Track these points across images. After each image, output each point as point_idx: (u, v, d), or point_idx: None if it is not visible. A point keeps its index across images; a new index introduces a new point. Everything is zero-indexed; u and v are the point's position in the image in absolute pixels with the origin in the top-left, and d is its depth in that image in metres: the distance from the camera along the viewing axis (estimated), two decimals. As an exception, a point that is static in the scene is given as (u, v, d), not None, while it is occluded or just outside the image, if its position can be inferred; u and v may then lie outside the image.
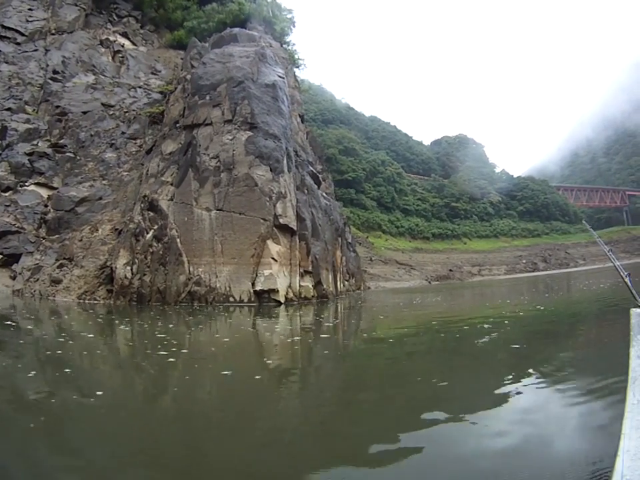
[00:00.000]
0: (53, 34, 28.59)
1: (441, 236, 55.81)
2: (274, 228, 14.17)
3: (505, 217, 62.00)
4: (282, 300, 13.74)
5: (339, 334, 7.98)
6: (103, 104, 23.58)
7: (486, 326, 7.39)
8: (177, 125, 17.88)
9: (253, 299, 13.72)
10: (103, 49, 28.76)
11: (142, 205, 15.66)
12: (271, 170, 14.65)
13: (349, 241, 32.81)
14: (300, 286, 14.86)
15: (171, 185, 15.72)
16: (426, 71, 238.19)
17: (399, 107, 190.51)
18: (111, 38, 29.50)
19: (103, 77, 26.18)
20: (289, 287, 14.30)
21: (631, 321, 2.17)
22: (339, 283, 18.92)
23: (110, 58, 28.42)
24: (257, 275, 13.84)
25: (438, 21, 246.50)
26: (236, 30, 21.67)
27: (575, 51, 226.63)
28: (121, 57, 28.12)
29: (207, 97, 17.00)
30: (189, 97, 18.01)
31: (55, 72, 25.21)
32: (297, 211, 15.59)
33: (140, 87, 25.22)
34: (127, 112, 22.86)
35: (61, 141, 21.75)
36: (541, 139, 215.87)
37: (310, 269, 15.20)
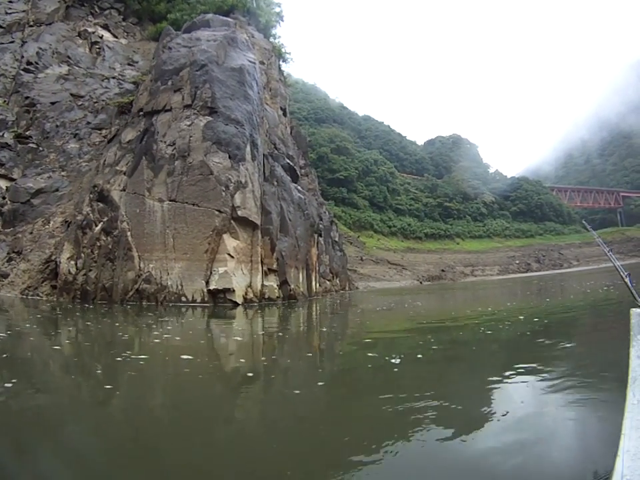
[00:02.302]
0: (31, 26, 27.13)
1: (433, 236, 54.05)
2: (232, 221, 12.48)
3: (499, 217, 60.21)
4: (239, 301, 12.05)
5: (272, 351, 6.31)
6: (72, 94, 22.03)
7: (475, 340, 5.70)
8: (140, 112, 16.25)
9: (206, 299, 12.04)
10: (81, 41, 27.19)
11: (91, 196, 14.01)
12: (230, 157, 12.96)
13: (336, 239, 31.18)
14: (263, 285, 13.16)
15: (124, 174, 14.07)
16: (420, 71, 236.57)
17: (392, 107, 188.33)
18: (90, 29, 27.92)
19: (77, 68, 24.60)
20: (249, 286, 12.60)
21: (631, 320, 2.04)
22: (314, 283, 17.20)
23: (87, 49, 26.85)
24: (211, 273, 12.16)
25: (433, 21, 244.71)
26: (209, 15, 20.01)
27: (571, 52, 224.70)
28: (98, 48, 26.55)
29: (169, 82, 15.36)
30: (152, 82, 16.38)
31: (28, 63, 23.73)
32: (261, 203, 13.91)
33: (114, 78, 23.63)
34: (96, 102, 21.26)
35: (27, 132, 20.22)
36: (536, 139, 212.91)
37: (275, 267, 13.51)
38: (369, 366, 4.57)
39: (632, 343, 1.94)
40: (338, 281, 27.04)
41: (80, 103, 21.46)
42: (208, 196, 12.39)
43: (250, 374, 4.09)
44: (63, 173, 17.51)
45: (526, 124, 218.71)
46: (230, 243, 12.25)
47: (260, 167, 14.33)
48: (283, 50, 32.07)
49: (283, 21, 34.59)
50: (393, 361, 4.20)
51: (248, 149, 13.60)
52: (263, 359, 4.82)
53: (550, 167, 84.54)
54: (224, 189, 12.37)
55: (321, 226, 26.07)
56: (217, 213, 12.25)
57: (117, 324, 8.26)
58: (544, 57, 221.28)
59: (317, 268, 18.64)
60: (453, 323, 7.92)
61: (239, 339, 6.48)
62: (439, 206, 56.56)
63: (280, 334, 6.73)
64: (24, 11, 27.06)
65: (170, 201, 12.82)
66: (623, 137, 79.94)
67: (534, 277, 42.58)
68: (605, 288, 12.82)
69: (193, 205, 12.49)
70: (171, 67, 15.81)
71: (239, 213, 12.47)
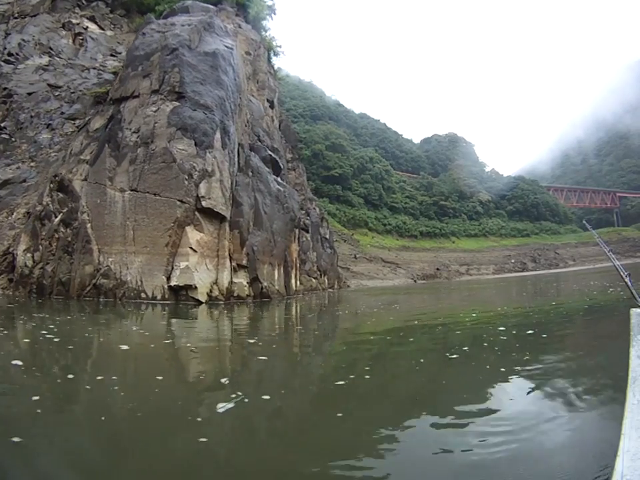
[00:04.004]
0: (15, 17, 26.22)
1: (428, 234, 52.89)
2: (196, 212, 11.35)
3: (495, 216, 58.98)
4: (202, 299, 10.92)
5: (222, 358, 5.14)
6: (50, 85, 21.01)
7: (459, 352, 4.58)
8: (110, 100, 15.16)
9: (167, 296, 10.92)
10: (64, 32, 26.18)
11: (51, 186, 12.92)
12: (196, 144, 11.82)
13: (326, 236, 30.09)
14: (232, 283, 12.04)
15: (87, 163, 12.98)
16: (417, 69, 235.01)
17: (389, 105, 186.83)
18: (75, 21, 26.90)
19: (57, 59, 23.59)
20: (215, 283, 11.47)
21: (631, 320, 1.97)
22: (293, 281, 16.06)
23: (70, 41, 25.83)
24: (172, 268, 11.04)
25: (430, 19, 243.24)
26: (189, 2, 18.90)
27: (568, 52, 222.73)
28: (81, 40, 25.53)
29: (140, 68, 14.23)
30: (123, 69, 15.30)
31: (9, 54, 22.77)
32: (232, 195, 12.79)
33: (94, 68, 22.57)
34: (73, 93, 20.19)
35: (3, 123, 19.19)
36: (532, 139, 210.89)
37: (245, 262, 12.38)
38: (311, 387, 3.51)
39: (632, 343, 1.87)
40: (326, 279, 25.92)
41: (57, 94, 20.42)
42: (170, 185, 11.26)
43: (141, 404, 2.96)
44: (32, 164, 16.44)
45: (523, 123, 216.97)
46: (193, 235, 11.12)
47: (232, 156, 13.19)
48: (274, 43, 31.10)
49: (275, 14, 33.58)
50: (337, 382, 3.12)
51: (217, 135, 12.46)
52: (158, 379, 3.68)
53: (546, 166, 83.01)
54: (187, 178, 11.23)
55: (307, 221, 24.95)
56: (178, 203, 11.12)
57: (52, 326, 7.15)
58: (541, 56, 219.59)
59: (298, 265, 17.50)
60: (426, 333, 6.81)
61: (155, 347, 5.37)
62: (434, 204, 55.37)
63: (213, 344, 5.59)
64: (9, 3, 26.16)
65: (131, 190, 11.70)
66: (620, 137, 78.55)
67: (529, 276, 41.46)
68: (612, 290, 11.61)
69: (155, 194, 11.37)
70: (142, 53, 14.68)
71: (204, 203, 11.33)
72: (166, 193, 11.24)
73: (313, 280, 22.87)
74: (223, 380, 3.47)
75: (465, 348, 4.74)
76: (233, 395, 2.88)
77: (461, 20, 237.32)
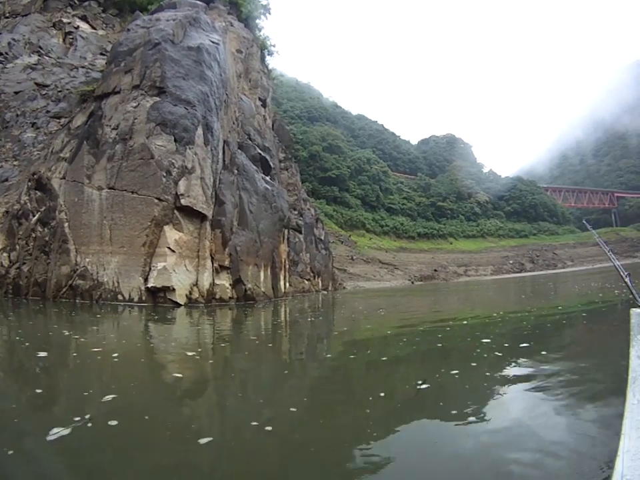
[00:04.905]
0: (7, 17, 25.92)
1: (426, 235, 52.29)
2: (175, 211, 10.79)
3: (492, 217, 58.37)
4: (181, 301, 10.36)
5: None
6: (37, 84, 20.55)
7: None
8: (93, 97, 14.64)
9: (145, 298, 10.36)
10: (55, 31, 25.79)
11: (29, 184, 12.39)
12: (175, 140, 11.27)
13: (321, 237, 29.52)
14: (214, 284, 11.46)
15: (66, 161, 12.45)
16: (415, 70, 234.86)
17: (386, 106, 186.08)
18: (65, 20, 26.49)
19: (47, 58, 23.18)
20: (195, 284, 10.91)
21: (631, 320, 1.97)
22: (282, 283, 15.46)
23: (60, 40, 25.44)
24: (150, 269, 10.48)
25: (428, 21, 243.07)
26: (177, -2, 18.37)
27: (566, 52, 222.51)
28: (71, 39, 25.10)
29: (122, 64, 13.72)
30: (106, 65, 14.81)
31: (-1, 54, 22.36)
32: (215, 193, 12.23)
33: (83, 67, 22.09)
34: (60, 91, 19.70)
35: (-11, 123, 18.71)
36: (530, 140, 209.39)
37: (227, 263, 11.81)
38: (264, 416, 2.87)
39: (632, 343, 1.85)
40: (320, 281, 25.33)
41: (44, 92, 19.94)
42: (147, 182, 10.70)
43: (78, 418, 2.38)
44: (15, 163, 15.92)
45: (521, 124, 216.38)
46: (171, 235, 10.56)
47: (215, 153, 12.64)
48: (268, 42, 30.70)
49: (269, 13, 33.21)
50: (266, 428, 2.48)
51: (199, 131, 11.91)
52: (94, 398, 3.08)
53: (544, 167, 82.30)
54: (165, 174, 10.67)
55: (300, 222, 24.40)
56: (156, 201, 10.55)
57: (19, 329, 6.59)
58: (539, 57, 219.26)
59: (287, 266, 16.92)
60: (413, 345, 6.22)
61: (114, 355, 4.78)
62: (432, 205, 54.78)
63: (175, 354, 4.97)
64: (1, 2, 25.83)
65: (109, 188, 11.16)
66: (618, 137, 77.93)
67: (528, 277, 40.82)
68: (617, 292, 10.95)
69: (132, 192, 10.82)
70: (125, 49, 14.17)
71: (183, 201, 10.77)
72: (143, 191, 10.68)
73: (306, 281, 22.28)
74: (105, 397, 2.78)
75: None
76: (78, 418, 2.30)
77: (460, 20, 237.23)
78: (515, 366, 3.78)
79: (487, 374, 3.62)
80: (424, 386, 3.09)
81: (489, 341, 5.06)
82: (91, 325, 7.25)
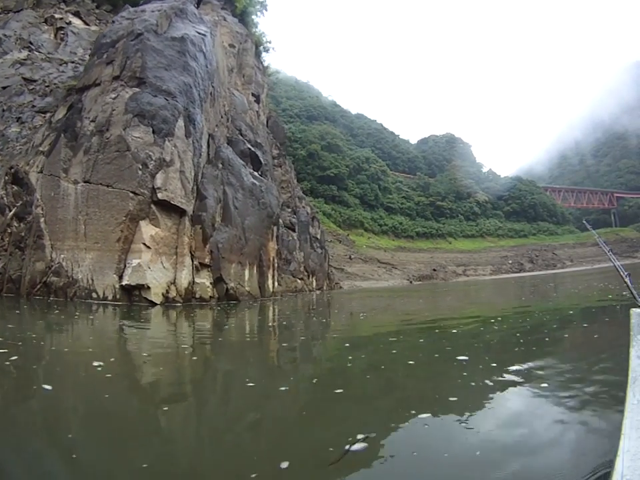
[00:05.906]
0: (-1, 13, 25.48)
1: (425, 235, 51.61)
2: (151, 205, 10.21)
3: (492, 216, 57.63)
4: (157, 300, 9.76)
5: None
6: (25, 78, 20.03)
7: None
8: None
9: (119, 297, 9.78)
10: (46, 27, 25.31)
11: (6, 178, 11.84)
12: (154, 132, 10.70)
13: (317, 236, 28.92)
14: (193, 283, 10.88)
15: (44, 154, 11.90)
16: (414, 70, 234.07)
17: (385, 105, 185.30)
18: (57, 15, 25.99)
19: (36, 53, 22.67)
20: (172, 283, 10.32)
21: (631, 320, 1.94)
22: (270, 282, 14.86)
23: (52, 35, 24.94)
24: (125, 266, 9.91)
25: (428, 20, 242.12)
26: (166, -10, 17.79)
27: (566, 53, 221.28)
28: (62, 34, 24.60)
29: (104, 56, 13.16)
30: (89, 58, 14.27)
31: (-11, 49, 21.90)
32: (196, 187, 11.65)
33: (72, 62, 21.59)
34: (47, 86, 19.19)
35: (-25, 118, 18.19)
36: (530, 140, 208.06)
37: (208, 261, 11.22)
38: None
39: (632, 343, 1.83)
40: (314, 280, 24.73)
41: (32, 87, 19.42)
42: (123, 175, 10.13)
43: None
44: (-4, 158, 15.39)
45: (520, 124, 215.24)
46: (147, 230, 9.98)
47: (198, 146, 12.05)
48: (263, 39, 30.20)
49: (266, 10, 32.59)
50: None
51: (180, 123, 11.33)
52: None
53: (544, 167, 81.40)
54: (140, 167, 10.09)
55: (294, 220, 23.81)
56: (131, 195, 9.97)
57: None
58: (539, 57, 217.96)
59: (277, 264, 16.32)
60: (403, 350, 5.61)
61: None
62: (431, 205, 54.10)
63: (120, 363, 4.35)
64: (-7, -1, 25.39)
65: (84, 182, 10.59)
66: (617, 137, 77.06)
67: (527, 277, 40.07)
68: (624, 294, 10.33)
69: (107, 186, 10.24)
70: (109, 40, 13.61)
71: (159, 195, 10.19)
72: (119, 184, 10.11)
73: (299, 281, 21.68)
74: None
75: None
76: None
77: (459, 20, 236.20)
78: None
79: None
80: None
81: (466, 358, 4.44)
82: (65, 327, 6.67)
